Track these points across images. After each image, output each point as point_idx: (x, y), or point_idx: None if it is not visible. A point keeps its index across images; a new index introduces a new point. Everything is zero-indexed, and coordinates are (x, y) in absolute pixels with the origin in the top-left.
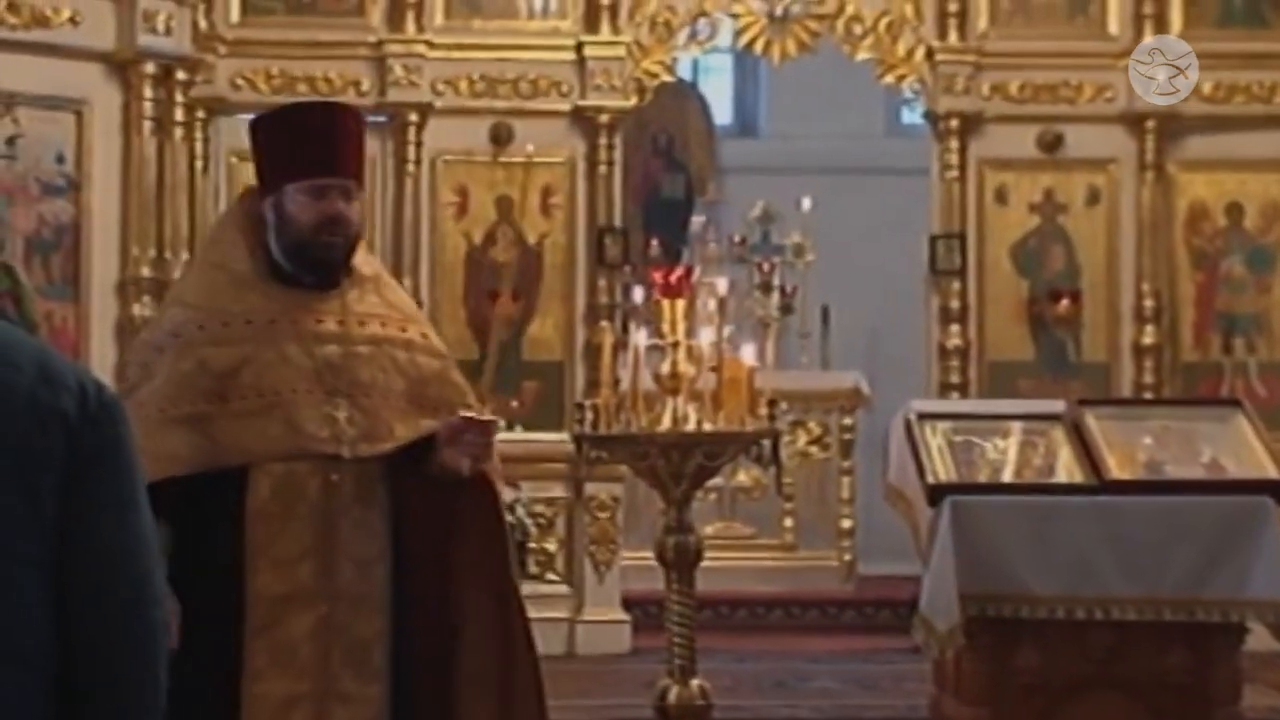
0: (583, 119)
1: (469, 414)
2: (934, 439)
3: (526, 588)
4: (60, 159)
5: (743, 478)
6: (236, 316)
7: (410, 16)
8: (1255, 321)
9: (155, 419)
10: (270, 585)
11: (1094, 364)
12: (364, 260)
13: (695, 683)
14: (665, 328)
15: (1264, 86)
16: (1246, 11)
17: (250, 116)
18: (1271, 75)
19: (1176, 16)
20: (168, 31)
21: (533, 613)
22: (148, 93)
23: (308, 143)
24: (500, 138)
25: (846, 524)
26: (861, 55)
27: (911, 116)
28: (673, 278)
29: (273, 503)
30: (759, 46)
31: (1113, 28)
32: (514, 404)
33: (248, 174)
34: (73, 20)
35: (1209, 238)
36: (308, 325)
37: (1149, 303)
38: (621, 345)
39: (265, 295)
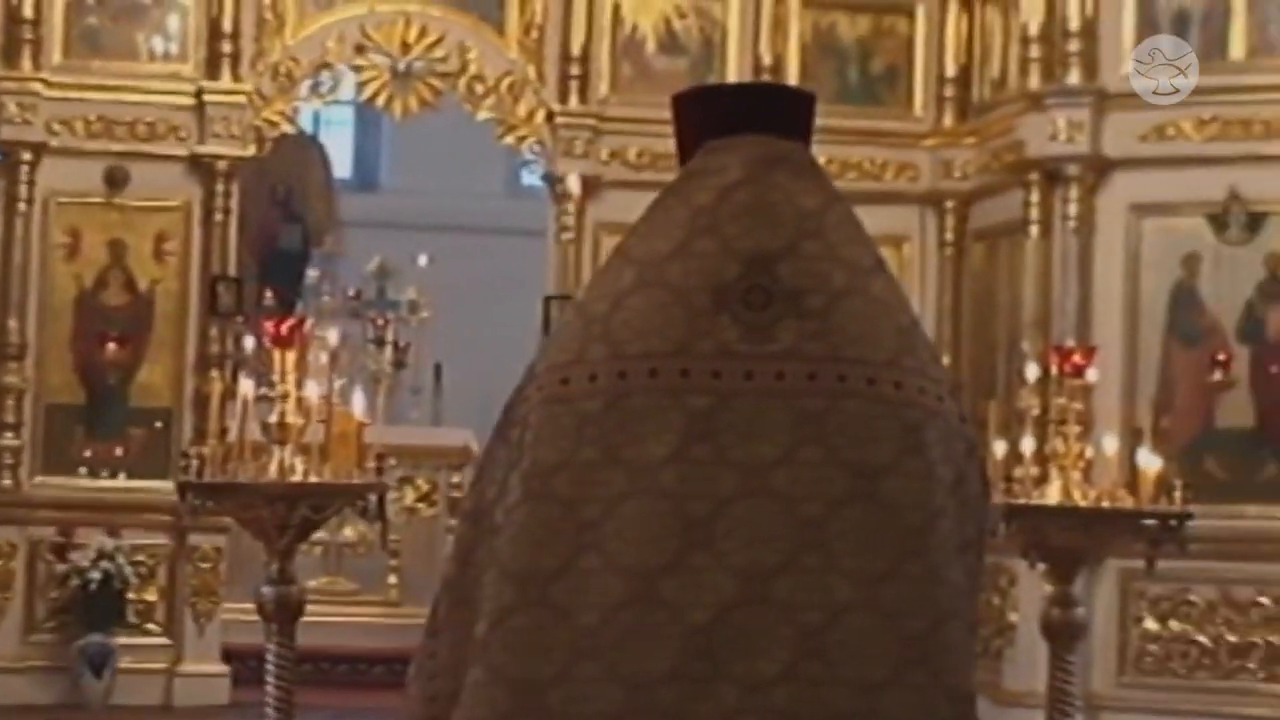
0: (200, 165)
1: None
2: None
3: (125, 638)
4: None
5: (349, 533)
6: None
7: (27, 53)
8: None
9: None
10: None
11: None
12: None
13: None
14: (275, 378)
15: (875, 164)
16: (862, 89)
17: None
18: (883, 152)
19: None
20: None
21: (130, 663)
22: None
23: None
24: (115, 180)
25: None
26: (483, 114)
27: (531, 178)
28: (284, 328)
29: None
30: (381, 101)
31: None
32: (118, 451)
33: None
34: None
35: None
36: None
37: None
38: (231, 395)
39: None
